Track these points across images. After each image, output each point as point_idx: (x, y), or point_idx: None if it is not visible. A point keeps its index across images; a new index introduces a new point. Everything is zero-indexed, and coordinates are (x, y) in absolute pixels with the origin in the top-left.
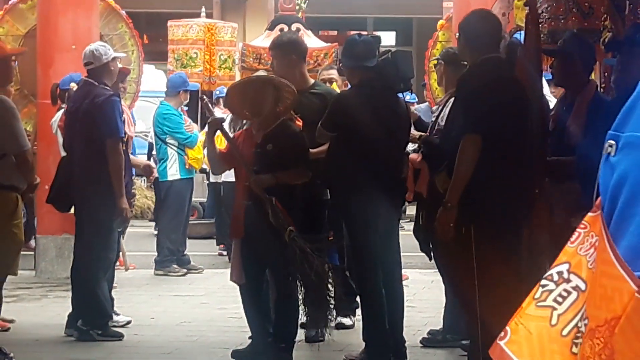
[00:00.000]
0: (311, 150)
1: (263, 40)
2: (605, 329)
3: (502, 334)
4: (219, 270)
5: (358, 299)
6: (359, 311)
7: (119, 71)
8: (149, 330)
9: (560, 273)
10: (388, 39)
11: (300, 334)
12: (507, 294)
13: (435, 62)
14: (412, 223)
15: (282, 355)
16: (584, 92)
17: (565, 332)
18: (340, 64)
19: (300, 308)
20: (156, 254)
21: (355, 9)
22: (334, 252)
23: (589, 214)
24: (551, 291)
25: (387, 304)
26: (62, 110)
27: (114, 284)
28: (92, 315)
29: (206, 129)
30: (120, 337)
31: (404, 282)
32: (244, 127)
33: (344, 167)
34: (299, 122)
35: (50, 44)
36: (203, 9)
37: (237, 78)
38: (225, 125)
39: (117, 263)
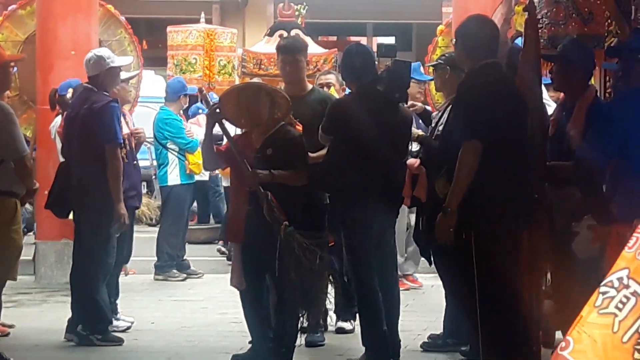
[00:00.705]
0: (311, 154)
1: (263, 46)
2: None
3: (564, 344)
4: (219, 275)
5: None
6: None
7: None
8: (149, 335)
9: (620, 279)
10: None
11: (301, 338)
12: (507, 299)
13: (432, 68)
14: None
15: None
16: (583, 97)
17: (625, 339)
18: (340, 71)
19: (300, 313)
20: (156, 259)
21: (354, 14)
22: (333, 257)
23: None
24: (612, 298)
25: (384, 307)
26: (60, 116)
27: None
28: (91, 320)
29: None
30: (120, 342)
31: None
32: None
33: (340, 172)
34: (299, 127)
35: (50, 50)
36: (202, 15)
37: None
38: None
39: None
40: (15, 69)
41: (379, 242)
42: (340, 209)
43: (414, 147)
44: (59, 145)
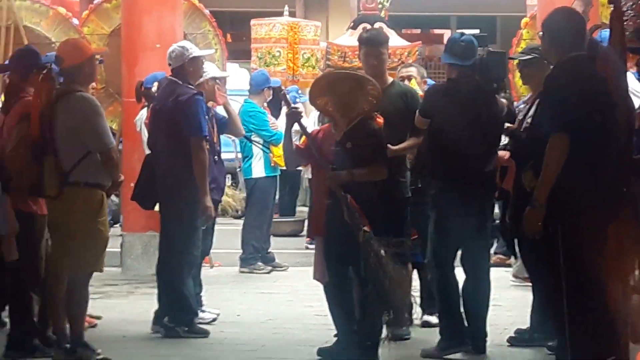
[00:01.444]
0: (392, 147)
1: (347, 39)
2: None
3: None
4: (303, 267)
5: None
6: None
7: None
8: (235, 328)
9: None
10: None
11: (386, 331)
12: (595, 293)
13: (517, 61)
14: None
15: (368, 353)
16: None
17: None
18: (429, 61)
19: (384, 309)
20: (241, 251)
21: (438, 7)
22: (418, 251)
23: None
24: None
25: (471, 297)
26: (145, 109)
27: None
28: (178, 312)
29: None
30: (206, 334)
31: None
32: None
33: (436, 155)
34: (380, 119)
35: (135, 43)
36: (286, 8)
37: None
38: (311, 120)
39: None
40: (102, 61)
41: (471, 231)
42: (436, 192)
43: (504, 139)
44: (144, 137)
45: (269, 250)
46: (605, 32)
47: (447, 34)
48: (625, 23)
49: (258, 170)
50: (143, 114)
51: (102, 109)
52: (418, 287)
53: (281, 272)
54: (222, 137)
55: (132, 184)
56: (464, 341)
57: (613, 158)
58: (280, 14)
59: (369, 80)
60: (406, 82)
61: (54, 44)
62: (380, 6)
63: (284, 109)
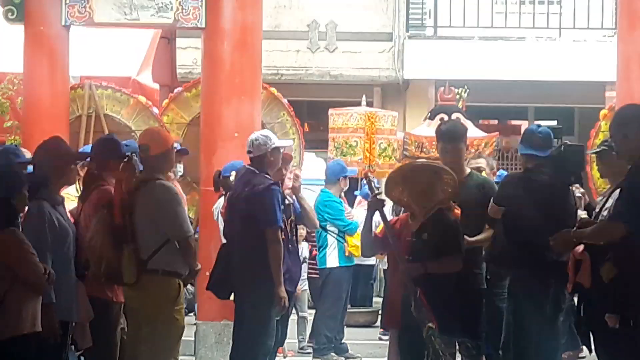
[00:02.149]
0: (469, 238)
1: (424, 129)
2: None
3: None
4: (376, 359)
5: None
6: None
7: (282, 157)
8: None
9: None
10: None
11: None
12: None
13: (595, 154)
14: None
15: None
16: None
17: None
18: (506, 152)
19: None
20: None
21: (516, 98)
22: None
23: None
24: None
25: None
26: (223, 197)
27: None
28: None
29: None
30: None
31: None
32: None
33: (509, 247)
34: (457, 210)
35: (214, 132)
36: (364, 98)
37: None
38: (386, 210)
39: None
40: (187, 152)
41: (544, 321)
42: (511, 281)
43: None
44: (221, 226)
45: (342, 341)
46: None
47: (524, 124)
48: None
49: (332, 260)
50: (220, 202)
51: (181, 198)
52: None
53: None
54: None
55: (208, 273)
56: None
57: None
58: (358, 103)
59: (446, 170)
60: None
61: (134, 132)
62: (457, 97)
63: (358, 199)
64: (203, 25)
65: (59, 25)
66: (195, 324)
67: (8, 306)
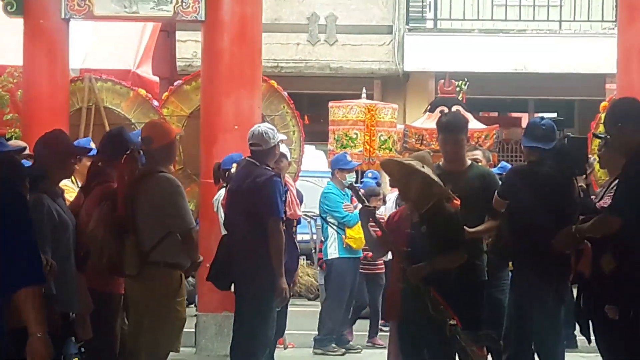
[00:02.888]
0: (470, 229)
1: (424, 121)
2: None
3: None
4: (376, 350)
5: None
6: None
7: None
8: None
9: None
10: None
11: None
12: None
13: (597, 143)
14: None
15: None
16: None
17: None
18: (506, 144)
19: None
20: (316, 332)
21: (516, 90)
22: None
23: None
24: None
25: None
26: (223, 189)
27: None
28: None
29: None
30: None
31: None
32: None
33: (512, 237)
34: (457, 201)
35: (213, 124)
36: (364, 90)
37: None
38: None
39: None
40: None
41: (547, 313)
42: (514, 273)
43: None
44: (221, 218)
45: (343, 333)
46: None
47: (524, 117)
48: None
49: (333, 251)
50: (221, 194)
51: (183, 190)
52: None
53: (355, 354)
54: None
55: (208, 265)
56: None
57: None
58: (358, 96)
59: (435, 182)
60: None
61: (134, 125)
62: (457, 89)
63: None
64: (203, 18)
65: (59, 19)
66: (195, 315)
67: (9, 298)
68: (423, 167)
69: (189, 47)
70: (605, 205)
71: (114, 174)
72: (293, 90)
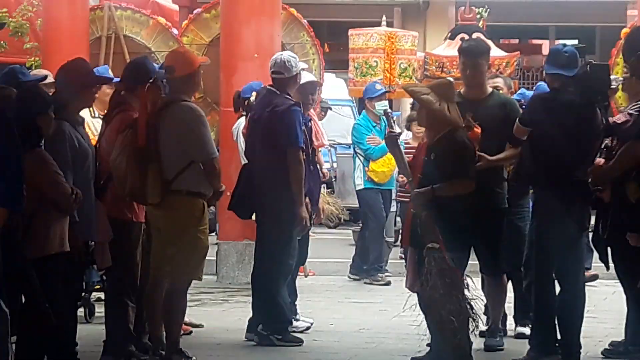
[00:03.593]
0: (490, 157)
1: (444, 49)
2: None
3: None
4: (397, 277)
5: None
6: None
7: (311, 83)
8: (328, 337)
9: None
10: None
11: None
12: None
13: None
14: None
15: None
16: None
17: None
18: (527, 71)
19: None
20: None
21: (536, 17)
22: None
23: None
24: None
25: (565, 309)
26: (242, 118)
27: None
28: (272, 321)
29: None
30: (299, 342)
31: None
32: None
33: (536, 164)
34: (478, 129)
35: (233, 53)
36: (384, 18)
37: None
38: None
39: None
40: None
41: (569, 239)
42: (536, 200)
43: None
44: (241, 147)
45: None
46: None
47: (545, 44)
48: None
49: (359, 182)
50: (241, 123)
51: (206, 119)
52: (512, 298)
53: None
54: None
55: (229, 193)
56: (553, 350)
57: None
58: (378, 24)
59: (441, 115)
60: None
61: (154, 53)
62: (478, 16)
63: None
64: None
65: None
66: (216, 243)
67: (36, 227)
68: (430, 95)
69: None
70: (618, 122)
71: (136, 103)
72: (313, 18)
